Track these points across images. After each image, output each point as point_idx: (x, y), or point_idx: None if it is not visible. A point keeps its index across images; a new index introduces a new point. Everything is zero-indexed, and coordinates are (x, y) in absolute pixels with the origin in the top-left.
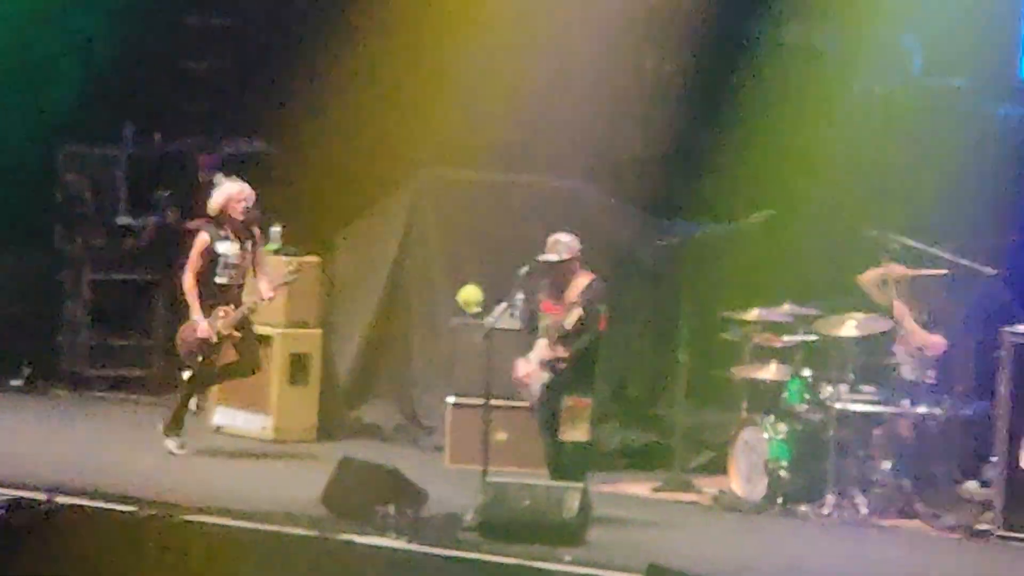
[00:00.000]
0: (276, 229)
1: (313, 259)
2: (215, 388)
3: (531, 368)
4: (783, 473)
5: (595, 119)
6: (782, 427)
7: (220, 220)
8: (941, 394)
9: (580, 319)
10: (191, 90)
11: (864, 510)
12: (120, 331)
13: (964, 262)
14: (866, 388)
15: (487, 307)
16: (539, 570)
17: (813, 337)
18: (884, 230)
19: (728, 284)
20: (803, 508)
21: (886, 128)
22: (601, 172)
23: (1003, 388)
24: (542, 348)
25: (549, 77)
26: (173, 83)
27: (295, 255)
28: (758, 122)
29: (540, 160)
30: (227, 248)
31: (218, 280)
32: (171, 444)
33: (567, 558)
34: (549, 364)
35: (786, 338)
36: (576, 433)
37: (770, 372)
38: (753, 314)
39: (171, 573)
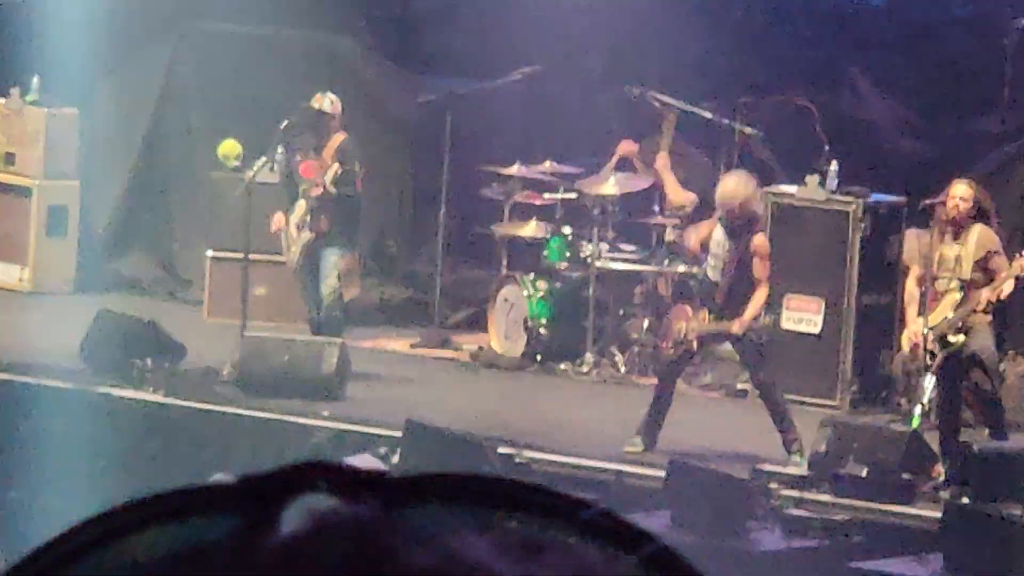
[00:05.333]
0: (35, 80)
1: (72, 110)
2: None
3: (289, 233)
4: (542, 331)
5: None
6: (542, 285)
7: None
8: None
9: (336, 174)
10: None
11: (623, 368)
12: None
13: (725, 120)
14: (626, 247)
15: (247, 161)
16: (297, 425)
17: (574, 195)
18: (646, 88)
19: (489, 141)
20: (562, 366)
21: None
22: (363, 27)
23: None
24: (300, 208)
25: None
26: None
27: (54, 105)
28: None
29: (302, 14)
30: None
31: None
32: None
33: (325, 413)
34: (310, 225)
35: (547, 196)
36: (346, 292)
37: (530, 229)
38: (514, 170)
39: None
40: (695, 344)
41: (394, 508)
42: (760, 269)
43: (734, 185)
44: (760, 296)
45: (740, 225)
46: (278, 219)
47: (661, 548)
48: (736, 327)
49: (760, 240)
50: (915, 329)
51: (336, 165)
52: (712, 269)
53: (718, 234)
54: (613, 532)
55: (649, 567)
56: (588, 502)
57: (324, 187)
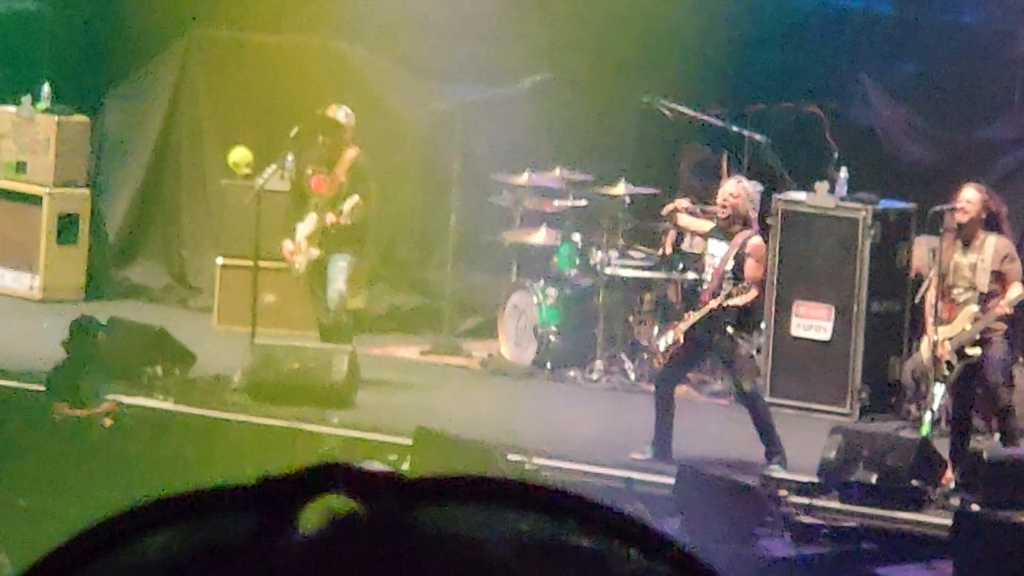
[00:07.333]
0: (45, 88)
1: (82, 118)
2: None
3: (298, 245)
4: (552, 338)
5: None
6: (552, 292)
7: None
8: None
9: (356, 205)
10: None
11: (632, 376)
12: None
13: (735, 128)
14: (636, 254)
15: (257, 168)
16: (307, 432)
17: (583, 202)
18: (655, 95)
19: (500, 149)
20: (572, 373)
21: None
22: (374, 35)
23: (772, 255)
24: (311, 223)
25: None
26: None
27: (65, 113)
28: None
29: (312, 21)
30: (714, 246)
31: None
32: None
33: (335, 420)
34: (319, 236)
35: (557, 203)
36: (352, 300)
37: (540, 236)
38: (524, 178)
39: None
40: (681, 341)
41: (412, 509)
42: (752, 270)
43: (733, 187)
44: (749, 294)
45: (735, 229)
46: (288, 247)
47: (682, 552)
48: (712, 303)
49: (757, 242)
50: (937, 339)
51: (356, 198)
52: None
53: (711, 246)
54: (633, 535)
55: (671, 570)
56: (607, 504)
57: (341, 217)
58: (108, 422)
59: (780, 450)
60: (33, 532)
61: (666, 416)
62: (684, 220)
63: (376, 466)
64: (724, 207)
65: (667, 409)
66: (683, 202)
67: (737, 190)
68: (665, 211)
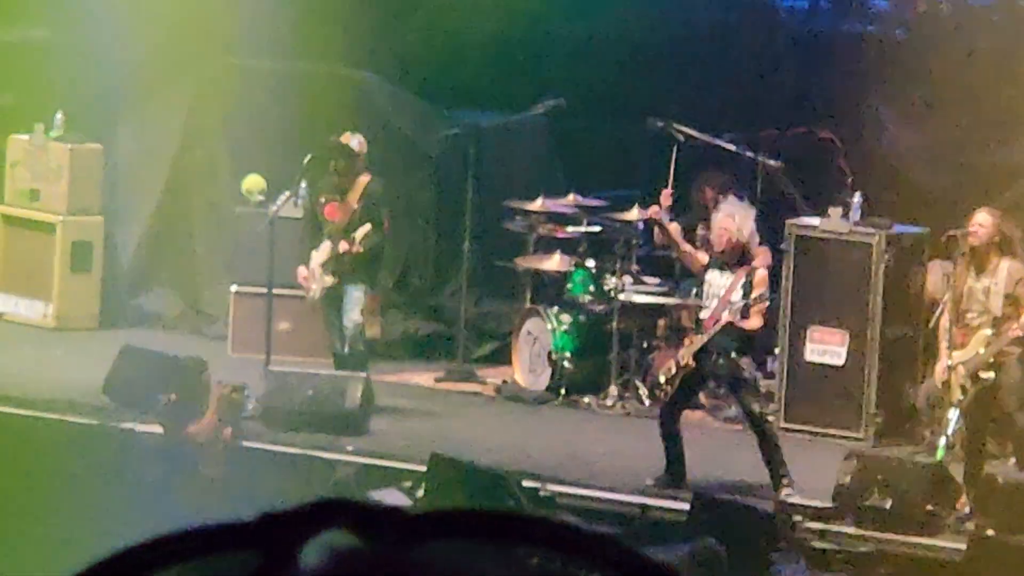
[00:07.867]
0: (59, 116)
1: (95, 146)
2: None
3: (312, 272)
4: (566, 364)
5: (380, 8)
6: (566, 318)
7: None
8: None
9: (367, 233)
10: None
11: (647, 401)
12: None
13: (749, 154)
14: (649, 279)
15: (270, 196)
16: (322, 459)
17: (597, 228)
18: (669, 120)
19: (513, 175)
20: (586, 399)
21: (667, 19)
22: (386, 62)
23: (786, 280)
24: (324, 251)
25: None
26: None
27: (78, 141)
28: (541, 12)
29: (325, 48)
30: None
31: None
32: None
33: (349, 447)
34: (333, 263)
35: (570, 229)
36: (368, 330)
37: (554, 263)
38: (537, 204)
39: None
40: (692, 364)
41: (413, 544)
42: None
43: (730, 220)
44: (753, 322)
45: (735, 259)
46: (303, 272)
47: None
48: (724, 320)
49: (763, 275)
50: (951, 364)
51: (368, 226)
52: (706, 311)
53: (712, 276)
54: (634, 568)
55: None
56: (609, 537)
57: (353, 245)
58: (228, 433)
59: (787, 473)
60: (48, 561)
61: (674, 444)
62: (685, 247)
63: (387, 497)
64: (719, 241)
65: (674, 437)
66: (656, 208)
67: (729, 224)
68: (648, 214)
